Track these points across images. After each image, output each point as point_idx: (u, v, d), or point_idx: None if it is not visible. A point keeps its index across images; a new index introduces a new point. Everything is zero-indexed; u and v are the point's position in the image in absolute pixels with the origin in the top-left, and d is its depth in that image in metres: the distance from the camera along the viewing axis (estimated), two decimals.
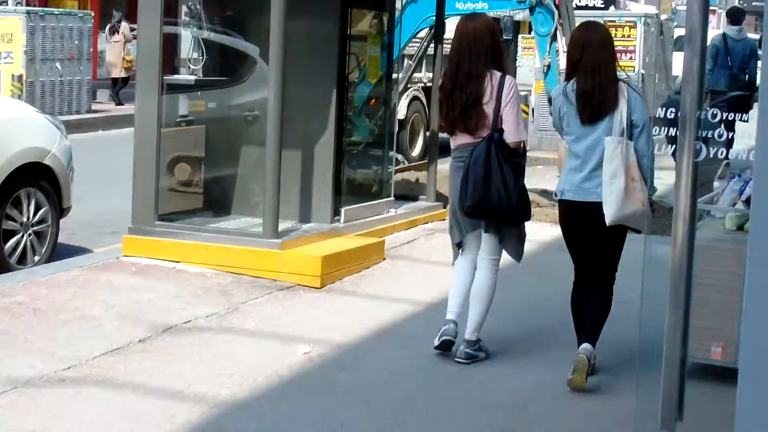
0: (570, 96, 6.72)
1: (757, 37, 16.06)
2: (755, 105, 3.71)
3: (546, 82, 13.53)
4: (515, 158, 7.01)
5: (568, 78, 6.81)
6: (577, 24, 13.61)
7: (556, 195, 6.99)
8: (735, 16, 16.80)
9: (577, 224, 6.86)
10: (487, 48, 7.01)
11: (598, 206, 6.60)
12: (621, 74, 6.79)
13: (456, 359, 7.12)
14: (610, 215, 6.54)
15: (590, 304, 6.89)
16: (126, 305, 8.02)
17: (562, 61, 13.41)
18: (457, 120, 7.07)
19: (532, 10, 13.55)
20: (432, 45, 14.37)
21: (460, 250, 7.36)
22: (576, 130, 6.73)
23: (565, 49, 13.40)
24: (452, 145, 7.26)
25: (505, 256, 7.36)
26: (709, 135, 4.57)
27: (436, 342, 7.16)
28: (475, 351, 7.15)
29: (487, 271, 7.20)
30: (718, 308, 6.54)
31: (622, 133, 6.57)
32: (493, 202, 6.93)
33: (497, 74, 7.02)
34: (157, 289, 8.51)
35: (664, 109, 4.66)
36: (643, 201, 6.54)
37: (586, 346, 6.68)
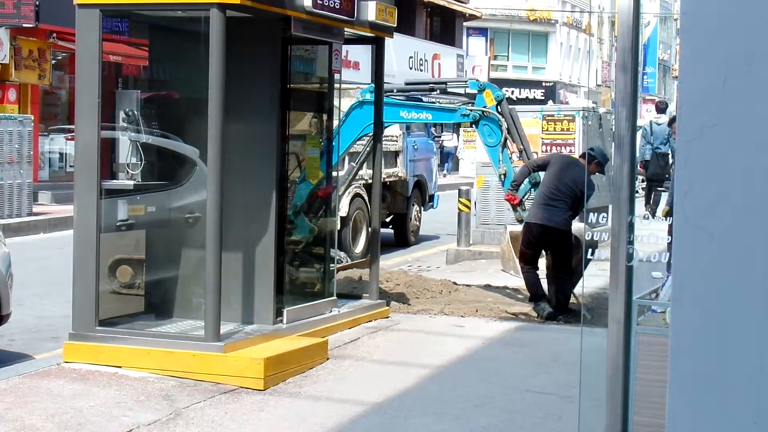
0: None
1: None
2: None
3: (506, 189, 13.23)
4: None
5: None
6: (522, 125, 13.70)
7: None
8: (660, 107, 22.70)
9: None
10: None
11: None
12: None
13: None
14: None
15: None
16: (67, 413, 7.90)
17: (517, 164, 13.37)
18: None
19: (476, 122, 13.47)
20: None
21: None
22: None
23: (518, 154, 13.41)
24: None
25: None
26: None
27: None
28: None
29: None
30: (660, 403, 6.54)
31: None
32: None
33: None
34: (98, 395, 8.39)
35: None
36: None
37: None
